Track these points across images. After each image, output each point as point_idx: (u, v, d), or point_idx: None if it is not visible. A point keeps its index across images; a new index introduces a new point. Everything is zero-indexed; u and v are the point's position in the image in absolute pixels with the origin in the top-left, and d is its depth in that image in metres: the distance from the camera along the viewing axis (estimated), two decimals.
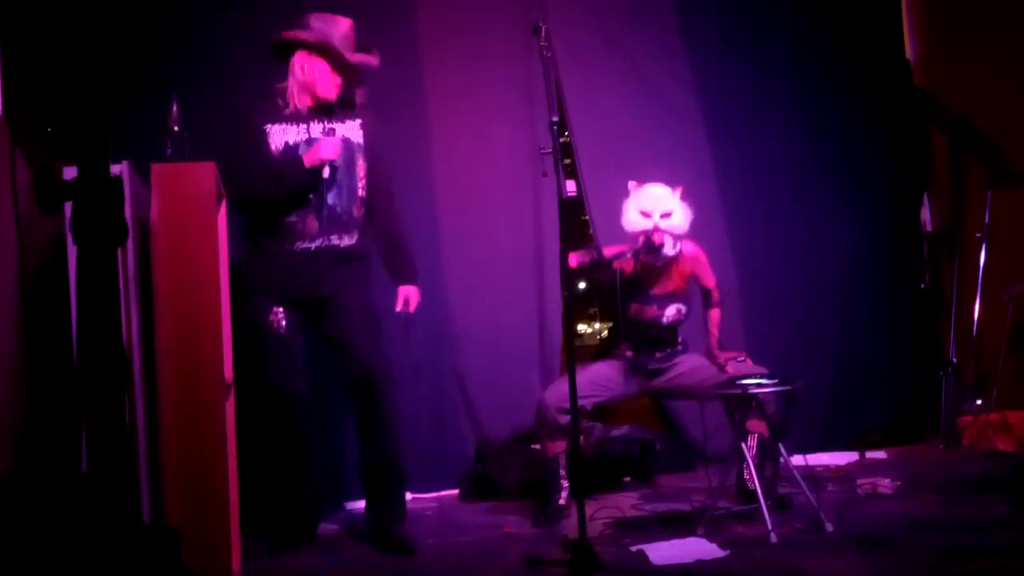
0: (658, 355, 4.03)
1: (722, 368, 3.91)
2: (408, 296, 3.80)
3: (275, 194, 3.51)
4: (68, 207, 1.65)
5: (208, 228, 2.84)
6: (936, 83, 5.62)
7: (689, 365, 4.01)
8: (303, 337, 3.63)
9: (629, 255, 3.90)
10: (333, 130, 3.59)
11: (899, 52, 5.70)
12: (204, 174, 2.85)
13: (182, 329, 2.76)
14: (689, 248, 4.05)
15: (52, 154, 1.90)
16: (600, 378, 4.00)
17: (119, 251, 2.53)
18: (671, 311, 4.03)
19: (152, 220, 2.77)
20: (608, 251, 4.03)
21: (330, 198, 3.58)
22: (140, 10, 4.18)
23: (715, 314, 4.09)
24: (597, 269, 3.98)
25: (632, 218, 3.94)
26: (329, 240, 3.58)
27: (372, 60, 3.67)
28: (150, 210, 2.78)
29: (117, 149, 1.97)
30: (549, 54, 3.22)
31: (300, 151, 3.55)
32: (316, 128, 3.60)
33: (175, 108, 3.03)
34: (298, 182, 3.52)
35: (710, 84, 5.22)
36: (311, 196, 3.55)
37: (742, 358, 3.99)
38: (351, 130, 3.66)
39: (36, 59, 3.71)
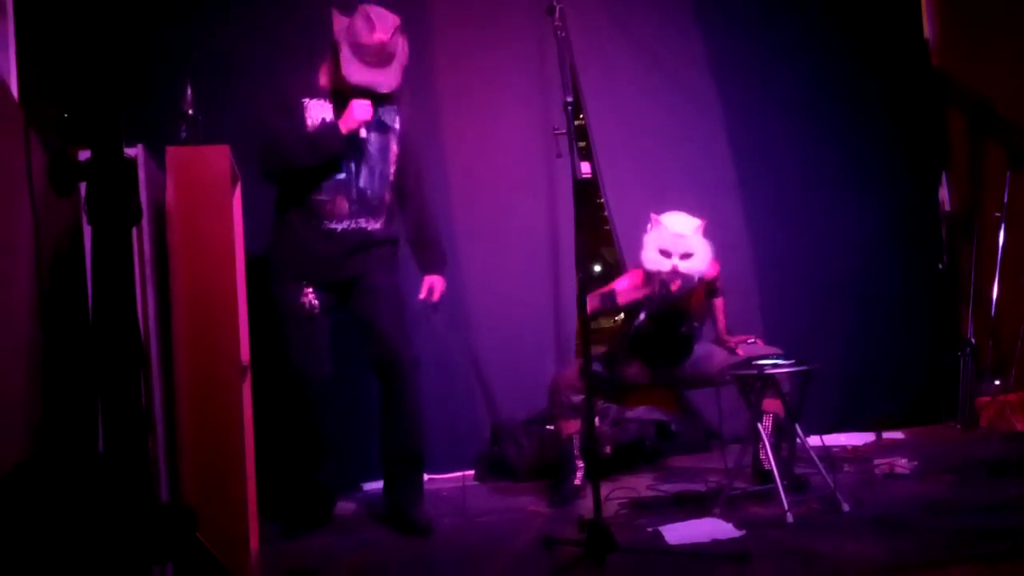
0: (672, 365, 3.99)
1: (732, 351, 3.89)
2: (433, 285, 3.81)
3: (310, 161, 3.48)
4: (83, 189, 1.66)
5: (223, 211, 2.85)
6: (954, 63, 5.56)
7: (701, 353, 3.99)
8: (329, 319, 3.64)
9: (643, 299, 3.85)
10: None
11: (917, 32, 5.65)
12: (219, 157, 2.86)
13: (198, 312, 2.78)
14: (710, 269, 3.96)
15: (68, 140, 1.91)
16: None
17: (135, 234, 2.56)
18: (691, 270, 3.90)
19: (168, 203, 2.78)
20: (621, 290, 3.96)
21: (362, 180, 3.58)
22: None
23: (719, 302, 4.06)
24: (611, 312, 3.95)
25: (651, 256, 3.83)
26: (358, 223, 3.58)
27: (390, 82, 3.49)
28: (165, 194, 2.79)
29: (132, 134, 1.98)
30: (563, 34, 3.20)
31: None
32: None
33: (189, 92, 3.04)
34: (334, 148, 3.48)
35: (724, 66, 5.19)
36: (343, 176, 3.55)
37: (752, 340, 3.97)
38: (387, 115, 3.63)
39: (51, 45, 3.73)
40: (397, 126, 3.66)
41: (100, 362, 1.52)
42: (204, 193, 2.81)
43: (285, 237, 3.59)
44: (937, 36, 5.66)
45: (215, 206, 2.82)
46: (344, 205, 3.56)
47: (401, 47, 3.51)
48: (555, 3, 3.29)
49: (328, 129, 3.49)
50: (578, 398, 3.83)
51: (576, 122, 3.17)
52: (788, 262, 5.17)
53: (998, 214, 5.15)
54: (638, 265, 3.98)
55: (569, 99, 3.13)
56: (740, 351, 3.86)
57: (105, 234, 1.52)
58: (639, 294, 3.91)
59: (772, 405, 3.71)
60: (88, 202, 1.54)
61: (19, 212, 2.29)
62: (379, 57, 3.43)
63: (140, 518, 1.58)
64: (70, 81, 3.44)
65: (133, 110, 2.02)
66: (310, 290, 3.55)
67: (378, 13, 3.43)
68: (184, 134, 3.00)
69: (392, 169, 3.65)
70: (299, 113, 3.52)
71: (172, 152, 2.81)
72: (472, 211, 4.82)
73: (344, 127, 3.47)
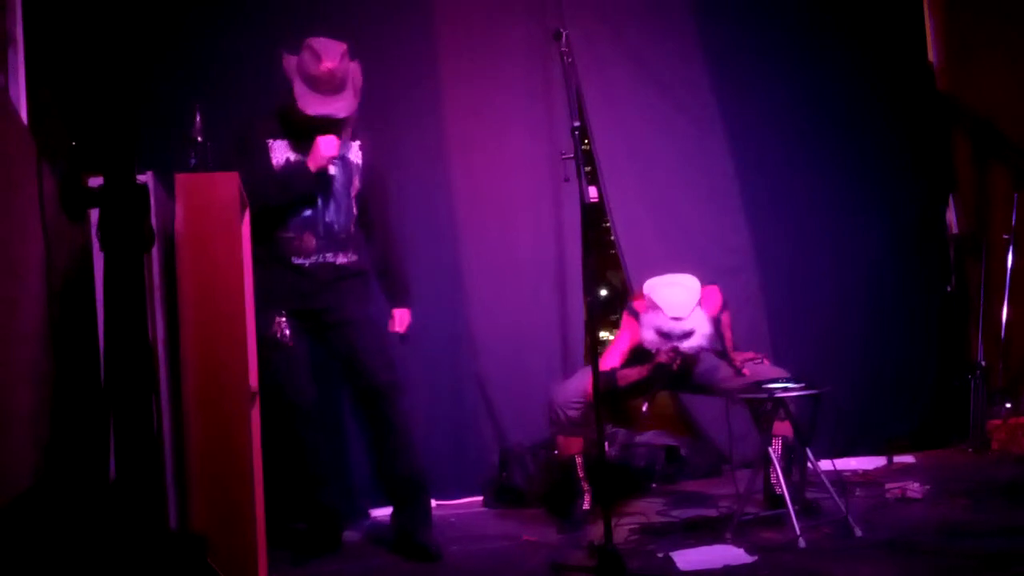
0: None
1: (739, 371, 3.85)
2: (402, 319, 3.83)
3: (281, 200, 3.52)
4: (95, 215, 1.66)
5: (232, 237, 2.84)
6: (959, 86, 5.58)
7: (706, 366, 3.96)
8: (307, 345, 3.64)
9: (645, 380, 3.82)
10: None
11: (922, 55, 5.67)
12: (228, 184, 2.86)
13: (207, 338, 2.77)
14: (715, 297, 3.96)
15: (78, 166, 1.91)
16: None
17: (145, 259, 2.56)
18: (693, 347, 3.80)
19: (177, 230, 2.78)
20: (621, 375, 3.87)
21: (328, 216, 3.60)
22: (163, 23, 4.21)
23: (725, 317, 4.04)
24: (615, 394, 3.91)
25: (650, 338, 3.74)
26: (325, 258, 3.59)
27: (346, 109, 3.51)
28: (174, 220, 2.79)
29: (141, 161, 1.98)
30: (570, 60, 3.22)
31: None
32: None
33: (198, 119, 3.04)
34: (304, 186, 3.53)
35: (729, 89, 5.21)
36: (309, 213, 3.57)
37: (759, 360, 3.94)
38: (350, 151, 3.67)
39: (61, 71, 3.75)
40: (359, 161, 3.69)
41: (112, 388, 1.51)
42: (213, 219, 2.81)
43: (257, 267, 3.57)
44: (941, 59, 5.68)
45: (224, 232, 2.82)
46: (311, 241, 3.58)
47: (353, 72, 3.54)
48: (562, 29, 3.31)
49: (297, 168, 3.53)
50: (575, 413, 3.81)
51: (583, 146, 3.18)
52: (796, 285, 5.17)
53: (1006, 236, 5.15)
54: (639, 291, 3.97)
55: (576, 124, 3.15)
56: (746, 371, 3.83)
57: (118, 260, 1.52)
58: (639, 374, 3.85)
59: (781, 428, 3.69)
60: (101, 228, 1.54)
61: (30, 237, 2.29)
62: (331, 85, 3.46)
63: (151, 545, 1.57)
64: (80, 107, 3.45)
65: (142, 137, 2.03)
66: (282, 319, 3.55)
67: (322, 43, 3.47)
68: (193, 161, 3.00)
69: (354, 203, 3.68)
70: (265, 155, 3.56)
71: (181, 179, 2.81)
72: (479, 235, 4.82)
73: (312, 165, 3.51)
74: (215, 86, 4.19)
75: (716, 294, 3.96)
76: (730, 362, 3.93)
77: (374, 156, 3.76)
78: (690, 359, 3.78)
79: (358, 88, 3.55)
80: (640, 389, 3.89)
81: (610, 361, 3.89)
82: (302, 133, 3.56)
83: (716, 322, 3.91)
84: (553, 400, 3.95)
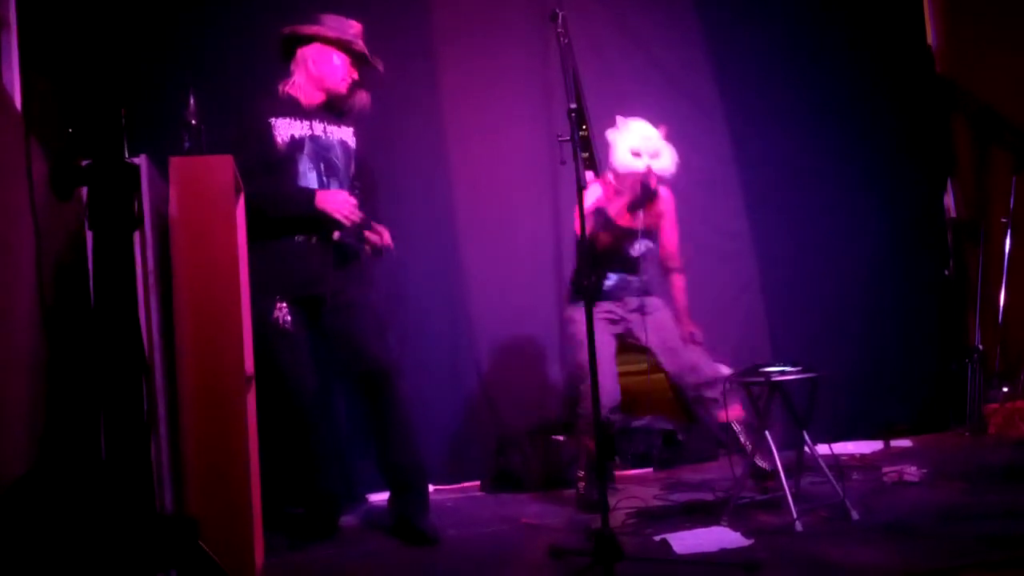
0: (632, 280, 4.02)
1: (691, 337, 3.95)
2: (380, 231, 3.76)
3: (272, 214, 3.51)
4: (85, 196, 1.65)
5: (227, 221, 2.83)
6: (958, 70, 5.57)
7: (660, 319, 3.99)
8: (307, 331, 3.63)
9: (624, 204, 3.88)
10: (332, 130, 3.66)
11: (921, 39, 5.65)
12: (222, 167, 2.85)
13: (202, 322, 2.76)
14: (663, 191, 4.01)
15: (72, 151, 1.89)
16: (611, 365, 3.97)
17: (138, 244, 2.55)
18: (640, 246, 3.99)
19: (171, 214, 2.77)
20: (613, 213, 3.93)
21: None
22: (159, 6, 4.18)
23: (678, 280, 4.09)
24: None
25: (622, 157, 3.90)
26: (331, 234, 3.58)
27: (378, 64, 3.73)
28: (169, 204, 2.78)
29: (135, 144, 1.97)
30: (566, 41, 3.20)
31: (305, 146, 3.57)
32: (318, 126, 3.63)
33: (192, 102, 3.03)
34: (299, 212, 3.51)
35: (728, 73, 5.20)
36: (317, 187, 3.57)
37: (699, 339, 4.00)
38: (347, 135, 3.71)
39: (55, 55, 3.73)
40: (354, 145, 3.73)
41: (101, 366, 1.51)
42: (207, 203, 2.80)
43: (258, 252, 3.56)
44: (941, 43, 5.66)
45: (218, 216, 2.81)
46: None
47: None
48: (558, 10, 3.29)
49: (305, 198, 3.51)
50: (610, 417, 3.85)
51: (580, 132, 3.16)
52: (794, 269, 5.16)
53: (1004, 220, 5.15)
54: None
55: (572, 106, 3.12)
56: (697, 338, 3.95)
57: (106, 238, 1.51)
58: (623, 201, 3.91)
59: (735, 412, 3.69)
60: (89, 207, 1.53)
61: (21, 221, 2.28)
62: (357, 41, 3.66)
63: (142, 527, 1.57)
64: (74, 91, 3.43)
65: (136, 120, 2.01)
66: (283, 305, 3.54)
67: (329, 16, 3.67)
68: (187, 144, 2.99)
69: (352, 186, 3.70)
70: (268, 135, 3.55)
71: (175, 162, 2.80)
72: (476, 219, 4.81)
73: (320, 203, 3.49)
74: (210, 69, 4.17)
75: (671, 199, 4.04)
76: (682, 325, 4.00)
77: (364, 143, 3.77)
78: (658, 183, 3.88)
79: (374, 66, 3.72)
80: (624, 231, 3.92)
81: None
82: (307, 109, 3.61)
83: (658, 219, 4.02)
84: (586, 411, 3.90)
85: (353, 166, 3.71)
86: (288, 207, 3.51)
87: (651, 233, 4.03)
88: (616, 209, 3.93)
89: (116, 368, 1.51)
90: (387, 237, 3.74)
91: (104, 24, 1.93)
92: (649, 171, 3.85)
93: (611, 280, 4.02)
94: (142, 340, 1.57)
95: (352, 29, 3.66)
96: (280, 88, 3.65)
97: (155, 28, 4.14)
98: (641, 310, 4.00)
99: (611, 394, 3.86)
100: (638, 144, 3.88)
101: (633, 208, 3.88)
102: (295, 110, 3.62)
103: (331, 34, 3.61)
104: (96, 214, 1.52)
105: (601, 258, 3.97)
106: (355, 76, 3.68)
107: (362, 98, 3.74)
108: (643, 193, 3.85)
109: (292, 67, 3.67)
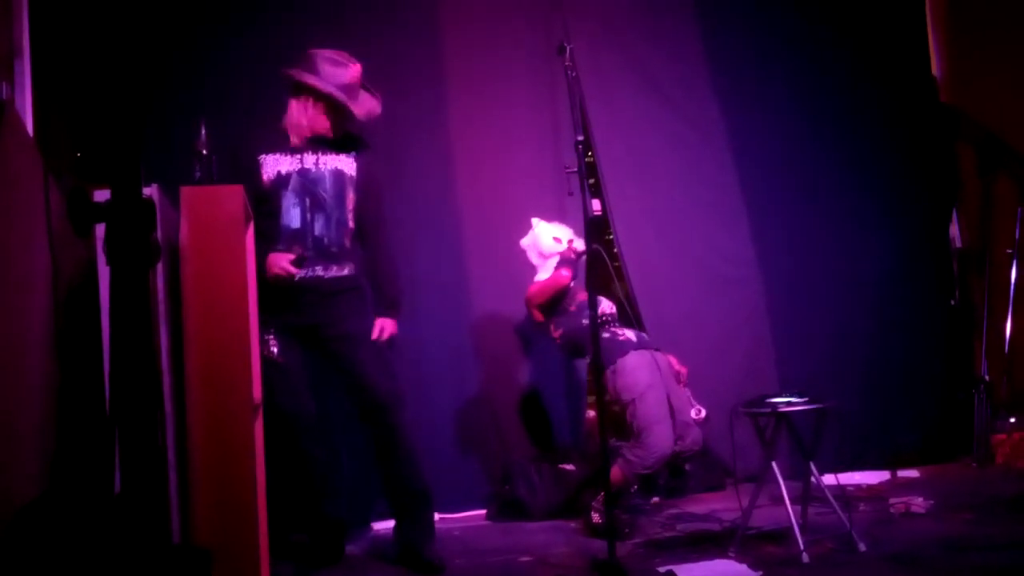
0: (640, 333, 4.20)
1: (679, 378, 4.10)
2: (383, 327, 3.77)
3: (271, 212, 3.56)
4: (100, 229, 1.66)
5: (237, 250, 2.85)
6: (963, 99, 5.58)
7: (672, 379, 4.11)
8: (302, 359, 3.64)
9: (565, 270, 4.17)
10: (326, 161, 3.64)
11: (925, 68, 5.67)
12: (232, 197, 2.86)
13: (211, 350, 2.76)
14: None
15: (83, 178, 1.91)
16: (662, 404, 3.96)
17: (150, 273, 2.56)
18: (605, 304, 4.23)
19: (181, 242, 2.79)
20: (537, 286, 4.26)
21: (317, 229, 3.60)
22: (169, 36, 4.22)
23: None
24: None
25: (546, 243, 4.28)
26: (315, 271, 3.57)
27: (376, 107, 3.72)
28: (179, 233, 2.80)
29: (146, 173, 1.98)
30: (574, 73, 3.24)
31: (291, 181, 3.58)
32: (309, 159, 3.63)
33: (203, 132, 3.05)
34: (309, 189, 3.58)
35: (732, 100, 5.22)
36: (298, 226, 3.58)
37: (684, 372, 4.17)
38: (344, 162, 3.68)
39: (67, 84, 3.76)
40: (354, 173, 3.70)
41: (117, 403, 1.52)
42: (218, 232, 2.81)
43: None
44: (945, 72, 5.68)
45: (228, 245, 2.82)
46: (300, 254, 3.56)
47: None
48: (566, 44, 3.32)
49: (301, 174, 3.59)
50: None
51: (587, 159, 3.19)
52: (799, 298, 5.16)
53: (1009, 251, 5.15)
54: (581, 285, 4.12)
55: (580, 138, 3.15)
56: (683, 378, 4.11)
57: (124, 275, 1.52)
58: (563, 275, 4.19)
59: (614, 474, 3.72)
60: (107, 243, 1.54)
61: (36, 251, 2.30)
62: (359, 87, 3.64)
63: (155, 558, 1.57)
64: (86, 119, 3.46)
65: (147, 150, 2.03)
66: (271, 338, 3.56)
67: (330, 53, 3.63)
68: (198, 174, 3.01)
69: (350, 217, 3.67)
70: (256, 172, 3.57)
71: (186, 192, 2.81)
72: (484, 247, 4.82)
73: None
74: (220, 99, 4.21)
75: None
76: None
77: (369, 170, 3.76)
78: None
79: (368, 117, 3.69)
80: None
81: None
82: (305, 145, 3.63)
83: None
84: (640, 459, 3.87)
85: (353, 193, 3.69)
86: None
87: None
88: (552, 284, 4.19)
89: (133, 403, 1.52)
90: (387, 332, 3.77)
91: (116, 53, 1.95)
92: (571, 245, 4.25)
93: (631, 334, 4.10)
94: (159, 375, 1.57)
95: (348, 75, 3.60)
96: (274, 123, 3.66)
97: (166, 57, 4.19)
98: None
99: (666, 440, 3.87)
100: (557, 232, 4.29)
101: (590, 275, 3.94)
102: (286, 144, 3.63)
103: (321, 88, 3.57)
104: (114, 251, 1.53)
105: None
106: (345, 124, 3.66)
107: (367, 108, 3.69)
108: (574, 255, 4.23)
109: (289, 101, 3.67)
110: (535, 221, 4.37)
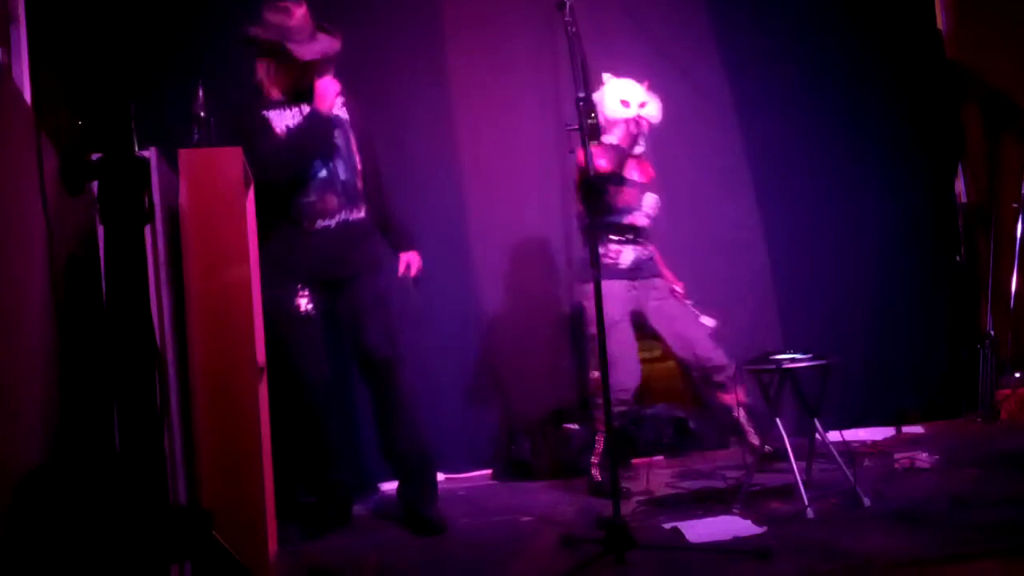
0: (646, 261, 4.09)
1: (674, 293, 4.08)
2: (409, 261, 3.83)
3: (301, 162, 3.53)
4: (96, 190, 1.65)
5: (237, 212, 2.84)
6: (969, 54, 5.52)
7: (670, 305, 4.07)
8: (324, 321, 3.64)
9: (614, 152, 3.94)
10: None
11: (931, 23, 5.60)
12: (231, 159, 2.86)
13: (213, 314, 2.77)
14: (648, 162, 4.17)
15: (82, 145, 1.90)
16: (628, 341, 3.97)
17: (149, 237, 2.56)
18: (650, 200, 4.09)
19: (181, 206, 2.78)
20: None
21: (341, 174, 3.61)
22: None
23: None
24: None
25: (611, 107, 4.03)
26: (346, 216, 3.59)
27: (332, 45, 3.59)
28: (179, 196, 2.79)
29: (145, 137, 1.97)
30: (574, 30, 3.19)
31: (305, 132, 3.55)
32: (305, 108, 3.60)
33: (201, 94, 3.02)
34: (323, 133, 3.55)
35: (736, 60, 5.17)
36: (325, 174, 3.57)
37: (682, 294, 4.12)
38: (337, 108, 3.66)
39: (64, 48, 3.73)
40: (347, 116, 3.69)
41: (113, 360, 1.51)
42: (217, 195, 2.81)
43: (276, 241, 3.56)
44: (951, 27, 5.61)
45: (228, 208, 2.82)
46: (333, 201, 3.57)
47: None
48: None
49: (311, 119, 3.54)
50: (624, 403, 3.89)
51: (589, 120, 3.16)
52: (805, 257, 5.14)
53: (1015, 205, 5.12)
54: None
55: (581, 95, 3.12)
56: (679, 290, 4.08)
57: (118, 233, 1.52)
58: (620, 147, 4.01)
59: (740, 397, 3.77)
60: (100, 201, 1.53)
61: (32, 216, 2.29)
62: (309, 30, 3.52)
63: (156, 518, 1.58)
64: (83, 85, 3.43)
65: (145, 113, 2.01)
66: (305, 292, 3.55)
67: (271, 4, 3.53)
68: (196, 136, 2.99)
69: (357, 158, 3.68)
70: (267, 128, 3.54)
71: (185, 155, 2.80)
72: (486, 208, 4.81)
73: (324, 107, 3.52)
74: (219, 62, 4.17)
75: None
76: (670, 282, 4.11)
77: (358, 113, 3.75)
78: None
79: (324, 56, 3.57)
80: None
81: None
82: (292, 97, 3.59)
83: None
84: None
85: (353, 135, 3.68)
86: (313, 138, 3.53)
87: (653, 187, 4.10)
88: (612, 159, 3.95)
89: (129, 361, 1.52)
90: (415, 266, 3.81)
91: (112, 17, 1.93)
92: (639, 117, 4.00)
93: (628, 258, 4.02)
94: (154, 333, 1.57)
95: (293, 19, 3.49)
96: (259, 85, 3.62)
97: (163, 19, 4.15)
98: (654, 294, 4.02)
99: (634, 375, 3.87)
100: (626, 94, 4.05)
101: (630, 146, 3.97)
102: (277, 102, 3.60)
103: (264, 39, 3.51)
104: (107, 209, 1.52)
105: (605, 209, 4.00)
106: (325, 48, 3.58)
107: (321, 49, 3.56)
108: (632, 135, 3.99)
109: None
110: (606, 77, 4.13)
